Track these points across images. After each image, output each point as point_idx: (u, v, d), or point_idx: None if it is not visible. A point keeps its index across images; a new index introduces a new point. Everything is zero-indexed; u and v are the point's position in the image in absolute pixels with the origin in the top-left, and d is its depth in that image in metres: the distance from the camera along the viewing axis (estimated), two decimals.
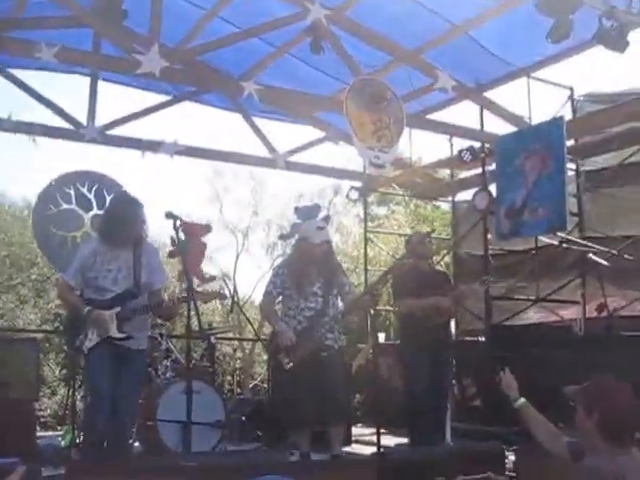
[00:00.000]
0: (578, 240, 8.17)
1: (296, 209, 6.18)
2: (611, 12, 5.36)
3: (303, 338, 5.48)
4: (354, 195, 9.69)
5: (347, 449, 6.75)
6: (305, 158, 9.75)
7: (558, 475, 3.81)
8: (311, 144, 9.71)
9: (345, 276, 6.02)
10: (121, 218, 5.08)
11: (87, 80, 8.23)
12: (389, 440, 7.27)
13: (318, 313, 5.58)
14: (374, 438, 7.31)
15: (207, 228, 8.04)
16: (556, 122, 7.43)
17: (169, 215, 4.94)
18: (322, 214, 6.03)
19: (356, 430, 8.22)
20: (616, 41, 5.49)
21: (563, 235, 8.01)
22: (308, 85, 8.16)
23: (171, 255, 7.59)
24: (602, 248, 7.72)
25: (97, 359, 4.92)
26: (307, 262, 5.66)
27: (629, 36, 5.50)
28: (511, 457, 5.06)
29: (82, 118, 8.18)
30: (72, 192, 8.06)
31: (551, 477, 3.94)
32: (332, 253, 5.96)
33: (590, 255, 7.37)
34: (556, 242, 8.16)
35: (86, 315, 4.89)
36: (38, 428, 7.21)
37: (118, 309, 4.93)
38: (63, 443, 6.42)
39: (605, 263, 7.14)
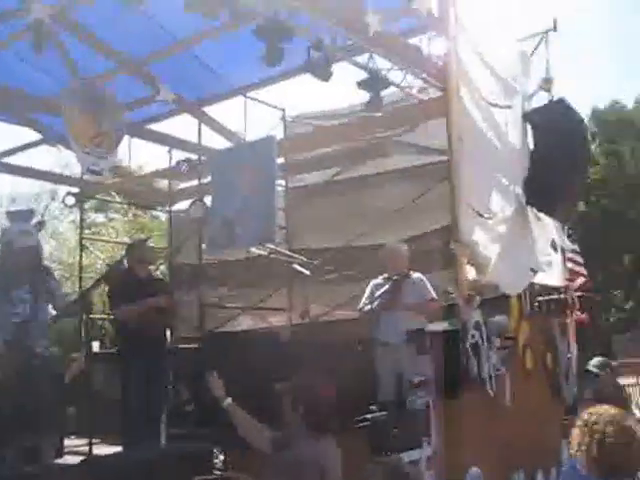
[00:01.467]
0: (285, 251, 8.64)
1: (8, 213, 5.96)
2: (319, 44, 5.85)
3: (12, 347, 5.26)
4: (70, 201, 9.39)
5: (59, 461, 6.61)
6: (19, 161, 9.39)
7: (262, 467, 4.13)
8: (27, 146, 9.36)
9: (55, 280, 5.89)
10: None
11: None
12: (104, 449, 7.19)
13: (27, 319, 5.39)
14: (87, 448, 7.26)
15: None
16: (268, 140, 7.76)
17: None
18: (35, 219, 5.88)
19: (70, 442, 8.03)
20: (322, 70, 5.98)
21: (272, 246, 8.46)
22: (26, 84, 7.80)
23: None
24: (306, 259, 8.26)
25: None
26: (11, 267, 5.48)
27: (333, 67, 6.03)
28: (220, 456, 5.34)
29: None
30: None
31: (255, 469, 4.24)
32: (39, 258, 5.80)
33: (295, 265, 7.91)
34: (265, 253, 8.59)
35: None
36: None
37: None
38: None
39: (307, 273, 7.71)
